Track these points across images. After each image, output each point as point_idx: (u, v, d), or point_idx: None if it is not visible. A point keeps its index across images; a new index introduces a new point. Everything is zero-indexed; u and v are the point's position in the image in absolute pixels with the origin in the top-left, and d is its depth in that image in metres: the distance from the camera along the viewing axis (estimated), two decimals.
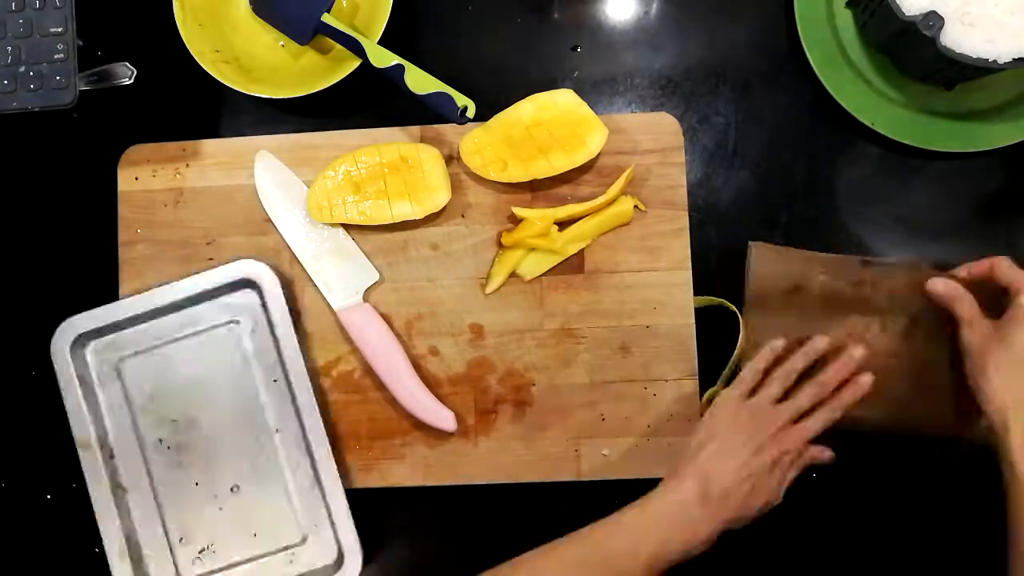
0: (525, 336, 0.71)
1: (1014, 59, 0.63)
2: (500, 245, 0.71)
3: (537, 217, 0.70)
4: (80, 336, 0.70)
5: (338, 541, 0.68)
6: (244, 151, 0.73)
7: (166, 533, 0.70)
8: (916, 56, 0.68)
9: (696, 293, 0.71)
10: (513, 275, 0.71)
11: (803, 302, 0.69)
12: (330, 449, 0.68)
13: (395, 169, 0.70)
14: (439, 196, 0.70)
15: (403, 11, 0.70)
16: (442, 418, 0.69)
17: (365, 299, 0.71)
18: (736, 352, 0.69)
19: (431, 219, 0.71)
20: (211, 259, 0.73)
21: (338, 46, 0.71)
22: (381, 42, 0.69)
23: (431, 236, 0.72)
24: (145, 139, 0.74)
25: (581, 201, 0.70)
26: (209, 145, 0.74)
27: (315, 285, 0.72)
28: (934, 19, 0.62)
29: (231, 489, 0.70)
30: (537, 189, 0.71)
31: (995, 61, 0.63)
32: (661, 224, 0.71)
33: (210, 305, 0.71)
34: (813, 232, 0.72)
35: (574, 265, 0.71)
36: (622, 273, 0.71)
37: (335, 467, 0.68)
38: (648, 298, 0.71)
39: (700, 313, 0.71)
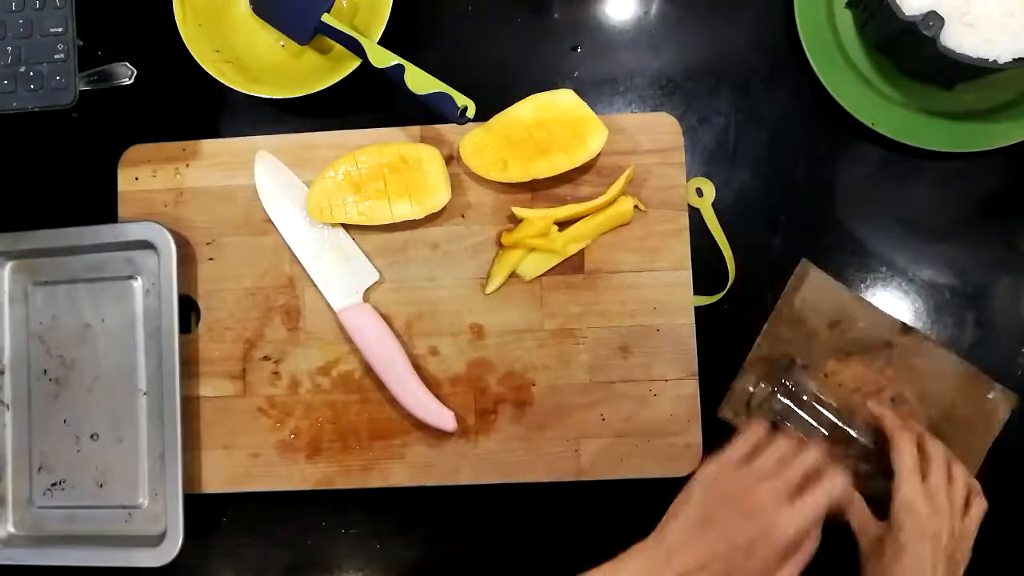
0: (525, 336, 0.71)
1: (1014, 59, 0.63)
2: (500, 245, 0.71)
3: (537, 217, 0.70)
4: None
5: (166, 518, 0.69)
6: (244, 151, 0.73)
7: (30, 458, 0.74)
8: (916, 56, 0.68)
9: (696, 293, 0.71)
10: (513, 275, 0.71)
11: (834, 340, 0.70)
12: (179, 425, 0.69)
13: (395, 169, 0.70)
14: (439, 196, 0.70)
15: (403, 11, 0.70)
16: (442, 418, 0.69)
17: (365, 299, 0.71)
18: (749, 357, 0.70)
19: (431, 219, 0.71)
20: (211, 259, 0.73)
21: (338, 46, 0.71)
22: (381, 42, 0.69)
23: (431, 236, 0.72)
24: (145, 139, 0.74)
25: (581, 201, 0.71)
26: (209, 145, 0.74)
27: (315, 285, 0.72)
28: (934, 19, 0.62)
29: (91, 436, 0.73)
30: (537, 189, 0.71)
31: (995, 61, 0.63)
32: (661, 224, 0.71)
33: (116, 256, 0.73)
34: (813, 232, 0.72)
35: (574, 265, 0.71)
36: (622, 273, 0.71)
37: (180, 445, 0.69)
38: (648, 298, 0.71)
39: (700, 313, 0.71)
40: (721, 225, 0.72)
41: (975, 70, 0.65)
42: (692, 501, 0.56)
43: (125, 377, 0.73)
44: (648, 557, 0.55)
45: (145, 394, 0.73)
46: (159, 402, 0.71)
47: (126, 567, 0.69)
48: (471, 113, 0.67)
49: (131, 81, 0.69)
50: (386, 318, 0.71)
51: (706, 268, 0.71)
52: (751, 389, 0.70)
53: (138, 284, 0.73)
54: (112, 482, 0.73)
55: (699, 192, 0.72)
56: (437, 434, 0.70)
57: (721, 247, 0.71)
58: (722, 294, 0.71)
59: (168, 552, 0.68)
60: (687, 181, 0.72)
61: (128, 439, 0.73)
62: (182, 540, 0.68)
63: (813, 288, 0.71)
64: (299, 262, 0.72)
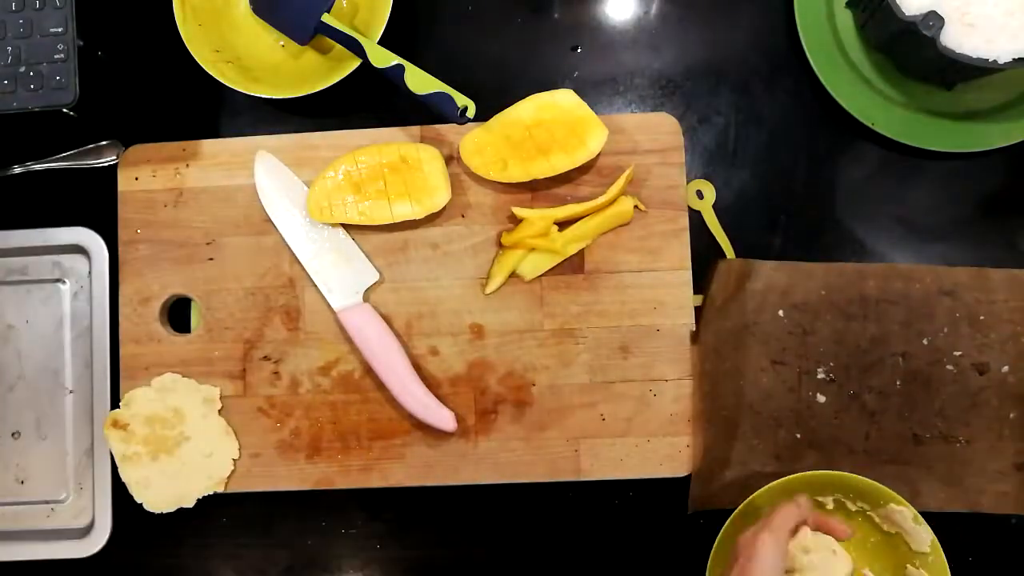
0: (525, 336, 0.71)
1: (1014, 59, 0.63)
2: (500, 245, 0.71)
3: (537, 217, 0.70)
4: None
5: (93, 509, 0.72)
6: (244, 151, 0.73)
7: None
8: (916, 56, 0.68)
9: (696, 293, 0.71)
10: (513, 275, 0.71)
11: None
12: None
13: (395, 169, 0.70)
14: (439, 196, 0.70)
15: (403, 11, 0.70)
16: (442, 418, 0.69)
17: (365, 299, 0.71)
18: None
19: (431, 219, 0.71)
20: (211, 259, 0.73)
21: (338, 46, 0.71)
22: (381, 42, 0.69)
23: (431, 236, 0.72)
24: (145, 139, 0.74)
25: (581, 201, 0.70)
26: (209, 145, 0.74)
27: (315, 285, 0.72)
28: (934, 19, 0.62)
29: (12, 434, 0.75)
30: (537, 189, 0.71)
31: (995, 61, 0.63)
32: (661, 224, 0.71)
33: (43, 260, 0.75)
34: (813, 232, 0.72)
35: (574, 265, 0.71)
36: (622, 273, 0.71)
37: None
38: (648, 298, 0.71)
39: (700, 313, 0.71)
40: (721, 225, 0.72)
41: (975, 70, 0.65)
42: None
43: (50, 376, 0.75)
44: None
45: (71, 392, 0.74)
46: (87, 399, 0.72)
47: (53, 559, 0.72)
48: (471, 113, 0.67)
49: (118, 159, 0.72)
50: (386, 318, 0.71)
51: (706, 268, 0.71)
52: None
53: (66, 287, 0.75)
54: (34, 478, 0.74)
55: (699, 194, 0.72)
56: (437, 434, 0.70)
57: (724, 249, 0.71)
58: None
59: (96, 542, 0.71)
60: (687, 183, 0.72)
61: (53, 436, 0.74)
62: (111, 530, 0.71)
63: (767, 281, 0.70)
64: (299, 262, 0.72)
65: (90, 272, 0.74)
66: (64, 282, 0.75)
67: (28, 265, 0.75)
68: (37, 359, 0.75)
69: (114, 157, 0.73)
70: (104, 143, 0.73)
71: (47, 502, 0.74)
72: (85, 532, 0.72)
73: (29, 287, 0.76)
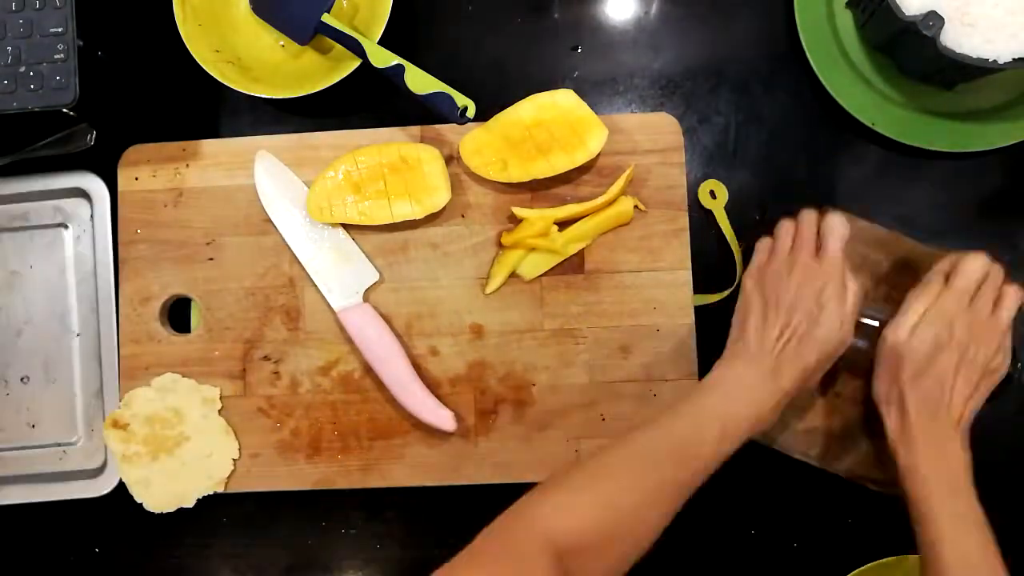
0: (525, 336, 0.71)
1: (1014, 59, 0.63)
2: (500, 245, 0.71)
3: (537, 217, 0.70)
4: None
5: (105, 450, 0.73)
6: (244, 151, 0.73)
7: None
8: (916, 56, 0.68)
9: (696, 293, 0.71)
10: (513, 275, 0.71)
11: None
12: (117, 362, 0.72)
13: (395, 169, 0.70)
14: (439, 196, 0.70)
15: (403, 11, 0.70)
16: (442, 418, 0.69)
17: (365, 299, 0.71)
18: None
19: (431, 219, 0.71)
20: (211, 259, 0.73)
21: (338, 46, 0.71)
22: (381, 42, 0.69)
23: (431, 236, 0.72)
24: (145, 139, 0.74)
25: (581, 201, 0.71)
26: (209, 145, 0.74)
27: (315, 285, 0.72)
28: (934, 19, 0.62)
29: (21, 379, 0.75)
30: (537, 189, 0.71)
31: (995, 61, 0.63)
32: (661, 224, 0.71)
33: (44, 205, 0.75)
34: None
35: (574, 265, 0.71)
36: (622, 273, 0.71)
37: (118, 379, 0.72)
38: (648, 298, 0.71)
39: (700, 313, 0.71)
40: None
41: (975, 70, 0.65)
42: (746, 311, 0.62)
43: (57, 320, 0.75)
44: (734, 366, 0.60)
45: (78, 335, 0.74)
46: (94, 341, 0.73)
47: (66, 500, 0.72)
48: (471, 113, 0.67)
49: (92, 143, 0.71)
50: (386, 318, 0.71)
51: (707, 268, 0.71)
52: None
53: (68, 232, 0.75)
54: (44, 422, 0.75)
55: (712, 194, 0.72)
56: (437, 434, 0.70)
57: (732, 249, 0.71)
58: (727, 293, 0.71)
59: (109, 482, 0.72)
60: (700, 184, 0.72)
61: (61, 379, 0.74)
62: (119, 478, 0.71)
63: None
64: (299, 262, 0.72)
65: (92, 215, 0.74)
66: (66, 226, 0.75)
67: (29, 211, 0.75)
68: (42, 304, 0.75)
69: (88, 140, 0.72)
70: (75, 128, 0.72)
71: (59, 444, 0.74)
72: (97, 472, 0.72)
73: (31, 233, 0.76)
